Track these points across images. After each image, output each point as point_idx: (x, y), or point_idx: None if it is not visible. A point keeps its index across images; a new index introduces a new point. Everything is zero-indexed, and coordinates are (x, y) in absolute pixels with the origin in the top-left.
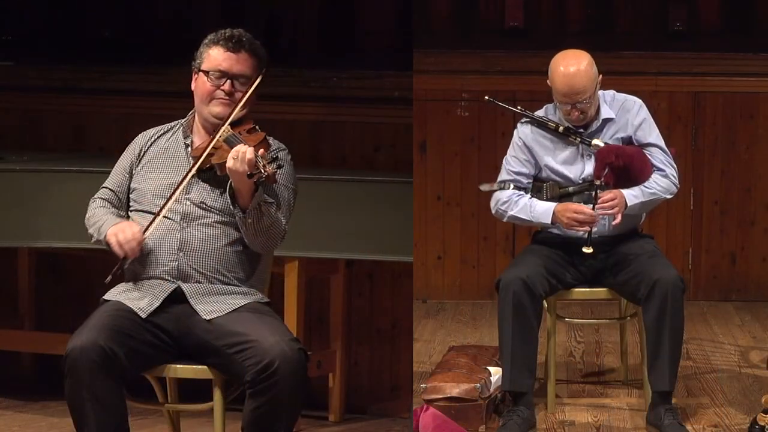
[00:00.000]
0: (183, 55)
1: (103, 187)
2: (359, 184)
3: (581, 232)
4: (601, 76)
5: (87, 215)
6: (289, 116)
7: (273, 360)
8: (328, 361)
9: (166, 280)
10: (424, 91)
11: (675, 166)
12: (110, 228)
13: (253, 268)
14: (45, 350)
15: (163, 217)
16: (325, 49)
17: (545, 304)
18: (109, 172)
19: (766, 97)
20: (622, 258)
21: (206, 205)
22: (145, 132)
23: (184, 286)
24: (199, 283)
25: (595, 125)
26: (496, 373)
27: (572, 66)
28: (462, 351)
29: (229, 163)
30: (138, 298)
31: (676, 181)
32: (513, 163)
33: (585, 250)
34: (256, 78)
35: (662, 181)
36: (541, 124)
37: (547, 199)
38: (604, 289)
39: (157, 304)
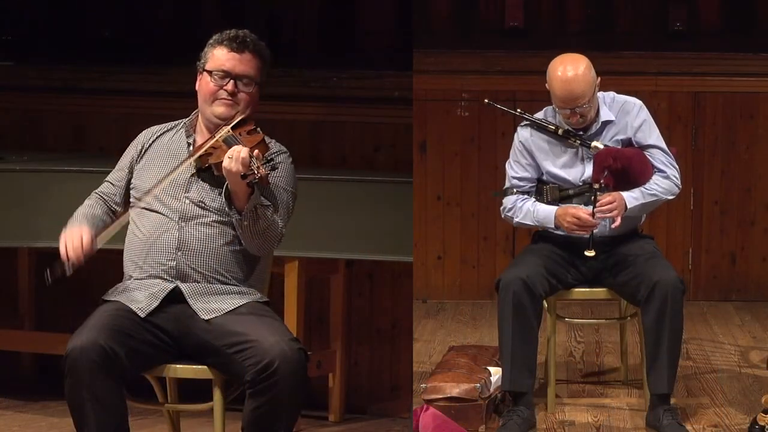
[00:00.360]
0: (183, 55)
1: (105, 181)
2: (359, 184)
3: (584, 235)
4: (599, 78)
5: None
6: (289, 116)
7: (273, 360)
8: (328, 361)
9: (165, 279)
10: (424, 91)
11: (676, 166)
12: (68, 229)
13: (252, 267)
14: (45, 350)
15: (162, 215)
16: (325, 49)
17: (545, 304)
18: (108, 173)
19: (766, 97)
20: (622, 259)
21: (205, 204)
22: (148, 129)
23: (183, 286)
24: (198, 282)
25: (594, 127)
26: (496, 373)
27: (570, 71)
28: (462, 351)
29: (225, 163)
30: (137, 298)
31: (678, 182)
32: (515, 167)
33: (587, 253)
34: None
35: (663, 183)
36: (540, 126)
37: (548, 202)
38: (604, 289)
39: (155, 303)
